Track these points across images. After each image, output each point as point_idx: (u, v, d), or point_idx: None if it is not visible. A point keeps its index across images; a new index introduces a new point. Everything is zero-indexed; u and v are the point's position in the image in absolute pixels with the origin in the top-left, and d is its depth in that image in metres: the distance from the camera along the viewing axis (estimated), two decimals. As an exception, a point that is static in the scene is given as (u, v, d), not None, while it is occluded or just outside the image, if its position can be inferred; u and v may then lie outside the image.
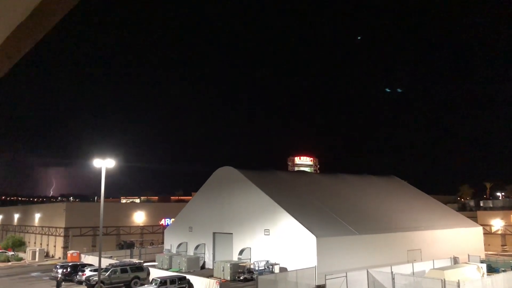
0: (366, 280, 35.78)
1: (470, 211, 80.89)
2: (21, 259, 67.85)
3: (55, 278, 45.14)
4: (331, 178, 63.91)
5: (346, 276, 34.70)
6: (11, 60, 3.79)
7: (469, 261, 45.56)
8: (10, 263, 65.06)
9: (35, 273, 54.02)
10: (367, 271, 36.19)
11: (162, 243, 68.71)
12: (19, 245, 77.05)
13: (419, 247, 50.06)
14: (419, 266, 40.32)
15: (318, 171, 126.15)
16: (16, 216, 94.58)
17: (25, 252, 71.85)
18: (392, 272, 34.99)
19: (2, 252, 70.20)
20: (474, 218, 66.63)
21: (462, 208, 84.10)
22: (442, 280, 31.17)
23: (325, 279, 33.98)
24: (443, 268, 36.73)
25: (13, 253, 70.40)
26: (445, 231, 54.31)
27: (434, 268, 38.18)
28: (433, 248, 50.36)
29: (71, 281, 45.17)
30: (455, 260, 45.18)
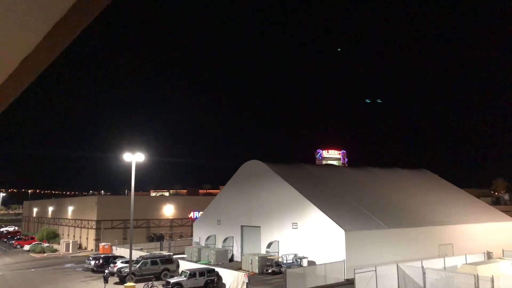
0: (396, 274, 35.30)
1: (505, 205, 78.73)
2: (55, 250, 69.94)
3: (98, 272, 46.53)
4: (359, 172, 63.21)
5: (375, 271, 34.32)
6: (10, 97, 3.88)
7: (503, 256, 44.33)
8: (45, 254, 67.18)
9: (69, 264, 55.62)
10: (397, 266, 35.70)
11: (191, 235, 69.55)
12: (53, 237, 79.44)
13: (451, 241, 49.01)
14: (450, 261, 39.48)
15: (347, 165, 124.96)
16: (50, 209, 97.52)
17: (59, 244, 74.02)
18: (422, 267, 34.41)
19: (38, 243, 72.56)
20: (509, 212, 64.62)
21: (496, 202, 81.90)
22: (475, 275, 30.45)
23: (354, 273, 33.71)
24: (476, 263, 35.83)
25: (47, 244, 72.63)
26: (478, 225, 52.96)
27: (466, 263, 37.30)
28: (465, 243, 49.21)
29: (103, 272, 46.32)
30: (489, 255, 44.03)
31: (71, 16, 2.48)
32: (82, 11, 2.49)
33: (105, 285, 37.74)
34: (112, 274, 43.44)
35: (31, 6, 2.37)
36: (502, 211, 61.37)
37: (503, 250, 46.53)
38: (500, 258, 41.30)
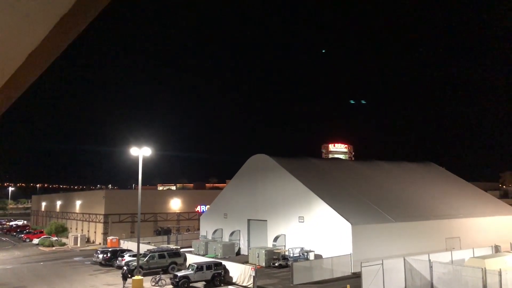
0: (403, 268, 35.23)
1: (513, 198, 78.22)
2: (64, 244, 70.55)
3: (106, 265, 46.85)
4: (366, 165, 63.00)
5: (382, 264, 34.29)
6: (18, 92, 3.90)
7: (511, 250, 44.12)
8: (54, 248, 67.81)
9: (78, 258, 56.10)
10: (404, 259, 35.62)
11: (198, 229, 69.81)
12: (62, 231, 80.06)
13: (458, 235, 48.83)
14: (458, 255, 39.33)
15: (353, 158, 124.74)
16: (59, 203, 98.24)
17: (67, 237, 74.62)
18: (429, 260, 34.30)
19: (46, 237, 73.23)
20: (517, 206, 64.30)
21: (504, 196, 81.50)
22: (482, 269, 30.33)
23: (361, 267, 33.69)
24: (483, 257, 35.66)
25: (56, 238, 73.28)
26: (486, 218, 52.69)
27: (474, 257, 37.16)
28: (472, 236, 49.01)
29: (111, 266, 46.72)
30: (497, 249, 43.82)
31: (77, 11, 2.49)
32: (87, 5, 2.50)
33: (124, 283, 37.26)
34: (119, 267, 43.73)
35: (37, 0, 2.38)
36: (510, 204, 60.93)
37: (511, 244, 46.30)
38: (508, 252, 41.07)
